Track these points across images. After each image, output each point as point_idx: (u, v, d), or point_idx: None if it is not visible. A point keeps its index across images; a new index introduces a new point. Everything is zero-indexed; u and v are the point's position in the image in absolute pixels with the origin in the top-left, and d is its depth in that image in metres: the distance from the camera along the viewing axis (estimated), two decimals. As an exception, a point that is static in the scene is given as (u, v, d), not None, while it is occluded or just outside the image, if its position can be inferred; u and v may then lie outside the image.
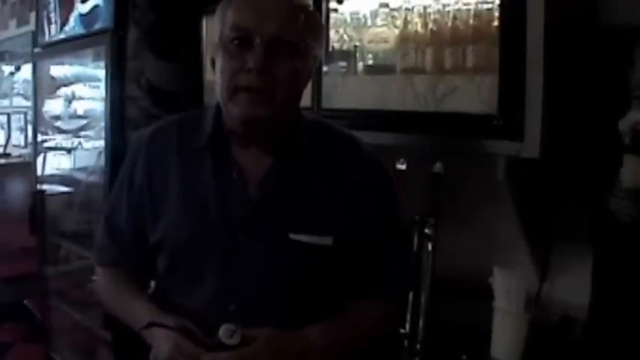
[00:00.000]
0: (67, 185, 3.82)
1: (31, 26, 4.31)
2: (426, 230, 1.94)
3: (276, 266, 1.43)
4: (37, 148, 4.05)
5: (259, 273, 1.43)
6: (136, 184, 1.55)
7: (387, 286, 1.53)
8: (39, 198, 3.89)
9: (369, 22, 2.24)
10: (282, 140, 1.47)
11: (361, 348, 1.53)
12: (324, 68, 2.29)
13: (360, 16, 2.28)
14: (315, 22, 1.49)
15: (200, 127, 1.51)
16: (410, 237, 1.72)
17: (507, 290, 1.79)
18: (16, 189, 4.60)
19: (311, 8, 1.49)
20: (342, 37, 2.31)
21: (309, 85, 2.26)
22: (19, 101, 5.69)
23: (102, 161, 3.13)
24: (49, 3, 3.67)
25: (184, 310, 1.44)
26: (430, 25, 2.03)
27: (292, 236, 1.42)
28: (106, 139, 3.03)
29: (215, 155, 1.48)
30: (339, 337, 1.45)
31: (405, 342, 1.98)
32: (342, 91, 2.22)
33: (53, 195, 3.90)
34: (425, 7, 2.05)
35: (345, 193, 1.47)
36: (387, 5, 2.16)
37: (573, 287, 1.94)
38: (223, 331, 1.32)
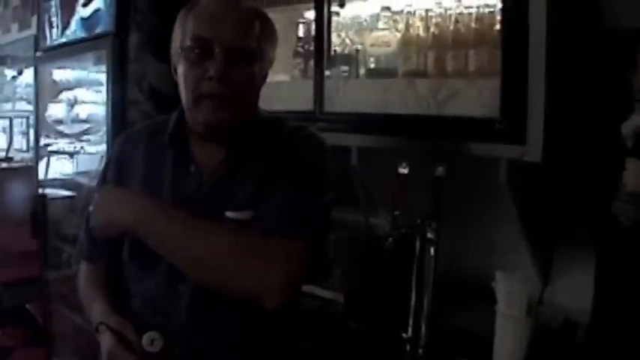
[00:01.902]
0: (69, 189, 3.83)
1: (33, 30, 4.31)
2: (429, 234, 1.93)
3: None
4: (39, 152, 4.05)
5: None
6: (108, 181, 1.68)
7: (289, 225, 1.44)
8: (40, 202, 3.90)
9: (371, 26, 2.24)
10: (236, 136, 1.54)
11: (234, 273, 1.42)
12: (326, 72, 2.29)
13: (362, 19, 2.29)
14: (270, 28, 1.57)
15: (166, 128, 1.61)
16: (331, 204, 1.58)
17: (509, 294, 1.78)
18: (18, 193, 4.60)
19: (265, 14, 1.56)
20: (343, 40, 2.32)
21: (312, 89, 2.29)
22: (21, 105, 5.70)
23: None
24: (51, 7, 3.67)
25: (141, 294, 1.58)
26: (432, 29, 2.04)
27: (227, 214, 1.48)
28: (107, 143, 3.03)
29: (175, 152, 1.58)
30: (211, 229, 1.44)
31: (408, 346, 1.98)
32: (344, 95, 2.22)
33: (55, 199, 3.90)
34: (427, 11, 2.06)
35: (272, 171, 1.52)
36: (388, 9, 2.16)
37: (576, 291, 1.94)
38: (145, 339, 1.42)
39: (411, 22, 2.09)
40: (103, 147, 3.13)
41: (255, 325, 1.53)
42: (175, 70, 1.55)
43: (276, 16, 2.65)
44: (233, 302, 1.44)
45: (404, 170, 1.96)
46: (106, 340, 1.48)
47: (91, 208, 1.57)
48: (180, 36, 1.52)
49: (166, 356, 1.44)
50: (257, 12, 1.54)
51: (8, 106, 6.02)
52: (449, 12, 1.99)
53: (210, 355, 1.52)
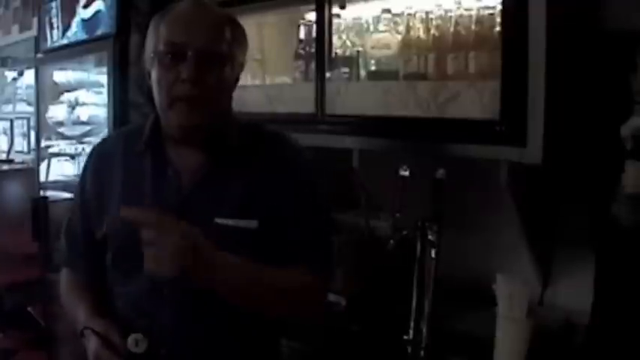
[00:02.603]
0: (70, 191, 3.82)
1: (34, 32, 4.32)
2: (429, 236, 1.93)
3: None
4: (40, 154, 4.05)
5: None
6: (86, 189, 1.68)
7: (311, 262, 1.56)
8: (42, 204, 3.89)
9: (372, 28, 2.25)
10: (212, 139, 1.56)
11: (280, 312, 1.60)
12: (328, 74, 2.29)
13: (363, 21, 2.29)
14: (240, 34, 1.60)
15: (142, 135, 1.62)
16: (332, 218, 1.74)
17: (510, 296, 1.79)
18: (19, 195, 4.59)
19: (235, 20, 1.59)
20: (344, 42, 2.32)
21: (313, 91, 2.29)
22: (22, 107, 5.69)
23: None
24: (52, 8, 3.68)
25: (125, 297, 1.58)
26: (432, 31, 2.04)
27: (218, 220, 1.51)
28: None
29: (152, 157, 1.60)
30: (262, 272, 1.49)
31: (409, 348, 1.98)
32: (345, 97, 2.22)
33: (56, 201, 3.90)
34: (427, 13, 2.06)
35: (268, 180, 1.56)
36: (389, 11, 2.17)
37: (576, 293, 1.94)
38: (130, 340, 1.43)
39: (411, 24, 2.10)
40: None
41: (240, 327, 1.56)
42: (149, 75, 1.57)
43: (277, 18, 2.67)
44: (217, 305, 1.47)
45: (405, 173, 1.97)
46: (91, 344, 1.49)
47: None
48: (153, 41, 1.54)
49: (152, 357, 1.46)
50: (228, 18, 1.58)
51: (9, 107, 6.00)
52: (449, 14, 2.00)
53: (195, 356, 1.55)
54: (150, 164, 1.60)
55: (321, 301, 1.67)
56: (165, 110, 1.52)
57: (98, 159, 1.71)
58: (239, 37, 1.59)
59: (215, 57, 1.50)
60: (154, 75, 1.53)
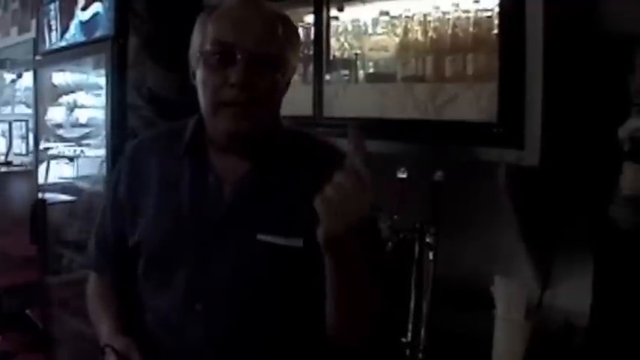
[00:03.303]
0: (69, 194, 3.83)
1: (33, 33, 4.32)
2: (427, 239, 1.94)
3: (242, 267, 1.43)
4: (39, 157, 4.05)
5: (226, 274, 1.43)
6: (120, 191, 1.58)
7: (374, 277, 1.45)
8: (40, 206, 3.90)
9: (370, 30, 2.25)
10: (259, 147, 1.48)
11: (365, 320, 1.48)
12: (326, 77, 2.30)
13: (361, 24, 2.29)
14: (293, 33, 1.50)
15: (183, 136, 1.53)
16: (379, 233, 1.66)
17: (508, 298, 1.79)
18: (18, 197, 4.60)
19: (288, 19, 1.49)
20: (342, 45, 2.32)
21: (311, 94, 2.29)
22: (21, 109, 5.70)
23: (104, 170, 3.13)
24: (50, 10, 3.67)
25: (155, 311, 1.49)
26: (430, 33, 2.04)
27: (260, 237, 1.42)
28: (107, 148, 3.03)
29: (193, 162, 1.51)
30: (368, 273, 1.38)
31: (407, 351, 1.98)
32: (343, 100, 2.22)
33: (55, 203, 3.90)
34: (425, 15, 2.06)
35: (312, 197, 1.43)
36: (387, 13, 2.17)
37: (574, 295, 1.93)
38: None
39: (409, 26, 2.09)
40: (104, 151, 3.12)
41: (275, 350, 1.46)
42: (194, 75, 1.47)
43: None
44: (250, 326, 1.41)
45: (402, 175, 1.97)
46: None
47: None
48: (199, 39, 1.44)
49: None
50: (281, 16, 1.47)
51: (7, 109, 6.01)
52: (447, 16, 1.99)
53: None
54: (190, 170, 1.50)
55: (385, 311, 1.59)
56: (209, 115, 1.43)
57: (134, 159, 1.60)
58: (292, 37, 1.49)
59: (267, 60, 1.39)
60: (199, 76, 1.44)
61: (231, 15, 1.42)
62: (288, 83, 1.52)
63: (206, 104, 1.43)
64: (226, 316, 1.42)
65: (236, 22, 1.40)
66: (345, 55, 2.30)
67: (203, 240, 1.44)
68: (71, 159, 3.90)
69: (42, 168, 4.04)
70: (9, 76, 5.99)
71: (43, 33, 3.81)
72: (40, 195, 3.95)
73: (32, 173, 4.13)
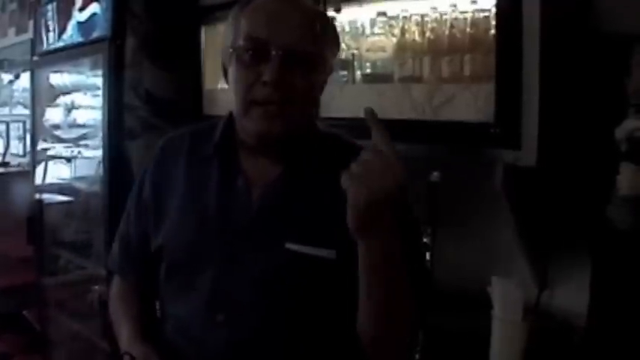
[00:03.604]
0: (66, 195, 3.81)
1: (30, 34, 4.32)
2: (424, 239, 1.93)
3: (269, 277, 1.34)
4: (36, 157, 4.04)
5: (251, 284, 1.34)
6: (145, 191, 1.52)
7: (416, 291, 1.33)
8: (37, 207, 3.89)
9: (367, 31, 2.25)
10: (291, 150, 1.40)
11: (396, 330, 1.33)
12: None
13: (358, 24, 2.29)
14: (331, 30, 1.43)
15: (212, 136, 1.47)
16: (424, 245, 1.57)
17: (505, 299, 1.79)
18: (15, 198, 4.59)
19: (326, 15, 1.43)
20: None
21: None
22: (19, 110, 5.69)
23: (101, 171, 3.12)
24: (47, 11, 3.67)
25: (176, 320, 1.42)
26: (427, 34, 2.04)
27: (289, 246, 1.32)
28: (103, 149, 3.03)
29: (222, 163, 1.44)
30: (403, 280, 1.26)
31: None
32: (340, 101, 2.21)
33: (52, 204, 3.89)
34: (422, 16, 2.06)
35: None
36: (384, 14, 2.17)
37: (572, 295, 1.94)
38: None
39: (406, 27, 2.09)
40: (101, 152, 3.11)
41: None
42: (225, 73, 1.42)
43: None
44: (274, 341, 1.33)
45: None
46: None
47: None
48: (232, 34, 1.37)
49: None
50: (318, 13, 1.41)
51: (5, 110, 6.01)
52: (444, 17, 2.00)
53: None
54: (218, 172, 1.43)
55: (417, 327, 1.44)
56: (240, 114, 1.37)
57: (160, 158, 1.54)
58: (330, 35, 1.41)
59: (302, 58, 1.31)
60: (231, 73, 1.38)
61: (266, 9, 1.34)
62: (324, 82, 1.45)
63: (237, 103, 1.36)
64: (249, 330, 1.33)
65: (270, 16, 1.33)
66: (343, 56, 2.30)
67: (227, 247, 1.37)
68: (68, 160, 3.88)
69: (40, 169, 4.03)
70: (6, 77, 5.98)
71: (40, 33, 3.81)
72: (37, 196, 3.94)
73: (29, 174, 4.12)
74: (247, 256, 1.36)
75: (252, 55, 1.32)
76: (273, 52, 1.28)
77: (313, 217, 1.36)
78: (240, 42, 1.33)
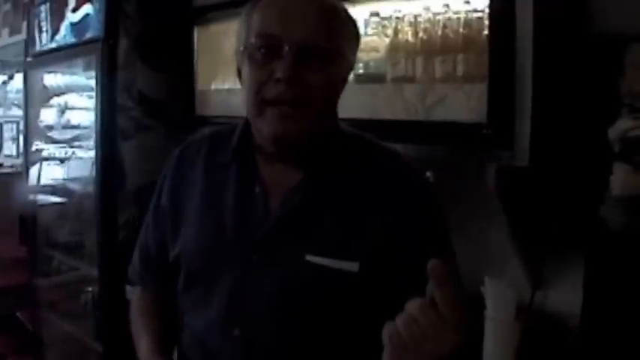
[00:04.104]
0: (59, 196, 3.81)
1: (24, 35, 4.30)
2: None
3: (287, 291, 1.28)
4: (30, 158, 4.03)
5: (269, 297, 1.29)
6: (163, 199, 1.48)
7: None
8: (30, 208, 3.88)
9: (360, 31, 2.23)
10: (313, 155, 1.32)
11: None
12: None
13: (351, 25, 2.28)
14: (349, 23, 1.35)
15: (230, 140, 1.40)
16: (456, 262, 1.41)
17: (498, 299, 1.78)
18: (8, 199, 4.57)
19: (344, 9, 1.34)
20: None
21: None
22: (13, 111, 5.69)
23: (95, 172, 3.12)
24: (41, 12, 3.66)
25: (192, 332, 1.39)
26: (420, 34, 2.03)
27: (309, 258, 1.25)
28: (96, 149, 3.02)
29: (239, 170, 1.38)
30: None
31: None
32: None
33: (45, 205, 3.88)
34: (415, 16, 2.05)
35: (379, 215, 1.29)
36: (377, 14, 2.16)
37: (565, 295, 1.93)
38: None
39: (399, 27, 2.08)
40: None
41: None
42: (239, 73, 1.35)
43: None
44: (289, 355, 1.28)
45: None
46: None
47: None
48: (244, 33, 1.30)
49: None
50: (335, 6, 1.32)
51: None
52: (437, 17, 1.99)
53: None
54: (235, 178, 1.37)
55: None
56: (253, 117, 1.29)
57: (179, 164, 1.48)
58: (348, 29, 1.34)
59: (317, 53, 1.24)
60: (243, 73, 1.31)
61: (278, 4, 1.27)
62: (345, 80, 1.38)
63: (249, 104, 1.29)
64: (266, 345, 1.28)
65: (283, 11, 1.26)
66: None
67: (244, 259, 1.31)
68: (62, 161, 3.88)
69: (34, 170, 4.02)
70: (0, 78, 5.97)
71: (33, 34, 3.80)
72: (30, 197, 3.94)
73: (22, 175, 4.11)
74: (264, 269, 1.30)
75: (264, 52, 1.25)
76: (286, 48, 1.22)
77: (335, 227, 1.29)
78: (252, 39, 1.27)
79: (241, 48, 1.31)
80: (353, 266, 1.25)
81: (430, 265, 0.97)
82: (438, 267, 0.97)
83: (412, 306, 1.00)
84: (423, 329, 0.98)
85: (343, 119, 2.12)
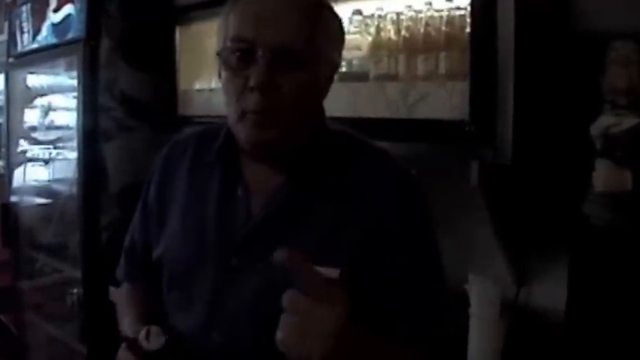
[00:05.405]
0: (42, 197, 3.79)
1: (6, 36, 4.28)
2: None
3: (268, 297, 1.17)
4: (13, 160, 4.01)
5: (248, 301, 1.25)
6: (150, 198, 1.45)
7: (414, 329, 1.25)
8: (12, 210, 3.86)
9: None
10: (296, 157, 1.27)
11: None
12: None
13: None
14: (333, 22, 1.28)
15: (216, 140, 1.35)
16: (443, 270, 1.38)
17: (483, 297, 1.79)
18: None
19: (325, 6, 1.26)
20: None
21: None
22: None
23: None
24: (22, 12, 3.64)
25: (175, 332, 1.32)
26: (403, 32, 2.03)
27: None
28: (78, 150, 3.01)
29: (223, 171, 1.34)
30: (375, 345, 1.14)
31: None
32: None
33: (29, 207, 3.86)
34: (398, 14, 2.05)
35: (363, 219, 1.24)
36: (360, 12, 2.15)
37: (550, 292, 1.94)
38: (141, 333, 1.23)
39: (382, 25, 2.09)
40: (79, 154, 3.09)
41: None
42: (219, 76, 1.28)
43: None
44: (270, 359, 1.17)
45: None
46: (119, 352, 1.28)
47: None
48: (222, 35, 1.24)
49: (168, 356, 1.23)
50: (316, 5, 1.24)
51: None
52: (420, 15, 1.99)
53: None
54: (219, 179, 1.33)
55: None
56: (231, 122, 1.25)
57: (166, 163, 1.45)
58: (329, 27, 1.26)
59: (293, 56, 1.17)
60: (222, 77, 1.25)
61: (255, 5, 1.20)
62: (329, 81, 1.31)
63: (229, 111, 1.24)
64: (245, 350, 1.25)
65: (259, 13, 1.18)
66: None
67: (225, 262, 1.28)
68: (46, 162, 3.86)
69: (18, 171, 4.00)
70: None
71: (14, 35, 3.78)
72: (12, 198, 3.92)
73: (4, 177, 4.08)
74: (244, 272, 1.26)
75: (239, 57, 1.19)
76: (259, 52, 1.15)
77: (316, 231, 1.24)
78: (228, 43, 1.21)
79: (218, 52, 1.26)
80: (334, 272, 1.17)
81: (281, 255, 1.00)
82: (293, 255, 1.00)
83: (283, 316, 1.02)
84: (300, 322, 1.01)
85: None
